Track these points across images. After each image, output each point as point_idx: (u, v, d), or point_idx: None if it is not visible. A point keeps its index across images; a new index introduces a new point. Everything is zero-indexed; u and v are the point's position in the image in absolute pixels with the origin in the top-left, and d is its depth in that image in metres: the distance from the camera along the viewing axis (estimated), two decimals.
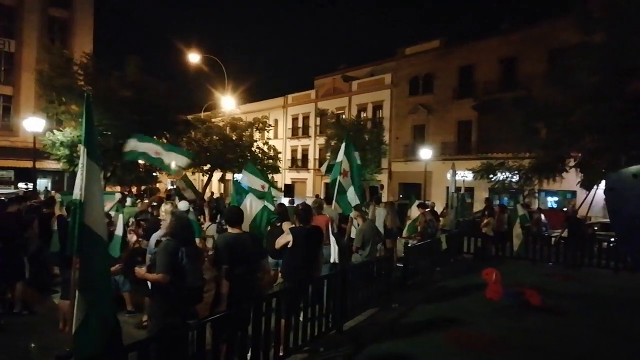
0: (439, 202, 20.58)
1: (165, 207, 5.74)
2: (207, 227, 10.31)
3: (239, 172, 29.34)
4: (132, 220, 8.67)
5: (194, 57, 26.83)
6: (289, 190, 27.89)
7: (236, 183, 8.46)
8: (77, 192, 3.27)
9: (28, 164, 19.15)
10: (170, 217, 4.52)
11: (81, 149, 3.36)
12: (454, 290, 9.13)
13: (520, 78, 24.97)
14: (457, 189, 16.25)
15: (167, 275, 4.10)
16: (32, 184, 19.57)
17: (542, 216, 15.47)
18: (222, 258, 4.55)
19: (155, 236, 5.42)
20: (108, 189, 19.38)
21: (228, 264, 4.49)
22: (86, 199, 3.28)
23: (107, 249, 3.80)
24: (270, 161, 30.02)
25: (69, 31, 28.26)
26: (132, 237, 7.21)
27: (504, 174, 19.87)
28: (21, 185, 23.18)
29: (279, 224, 7.12)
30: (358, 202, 8.68)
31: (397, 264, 10.17)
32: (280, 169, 32.52)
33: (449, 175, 21.12)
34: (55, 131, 18.05)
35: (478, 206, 22.85)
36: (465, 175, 22.39)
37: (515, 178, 19.09)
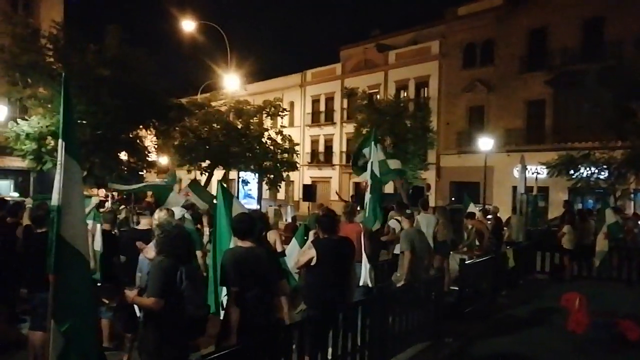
0: (504, 207, 20.35)
1: (159, 215, 5.82)
2: (209, 240, 10.44)
3: (246, 170, 29.77)
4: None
5: (188, 26, 27.06)
6: (308, 192, 27.87)
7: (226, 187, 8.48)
8: (55, 197, 3.36)
9: None
10: (157, 231, 4.52)
11: (59, 143, 3.45)
12: (524, 320, 9.08)
13: (609, 44, 24.53)
14: (528, 190, 16.01)
15: (160, 300, 4.18)
16: None
17: None
18: (229, 278, 4.59)
19: (143, 255, 5.49)
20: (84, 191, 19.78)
21: (237, 286, 4.54)
22: (64, 205, 3.36)
23: (88, 268, 3.90)
24: (285, 155, 30.18)
25: None
26: None
27: (588, 169, 19.57)
28: None
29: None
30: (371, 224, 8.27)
31: (451, 287, 10.11)
32: (297, 165, 32.63)
33: (516, 172, 20.90)
34: (19, 120, 18.47)
35: (554, 211, 22.51)
36: (537, 172, 22.03)
37: (604, 174, 18.78)
